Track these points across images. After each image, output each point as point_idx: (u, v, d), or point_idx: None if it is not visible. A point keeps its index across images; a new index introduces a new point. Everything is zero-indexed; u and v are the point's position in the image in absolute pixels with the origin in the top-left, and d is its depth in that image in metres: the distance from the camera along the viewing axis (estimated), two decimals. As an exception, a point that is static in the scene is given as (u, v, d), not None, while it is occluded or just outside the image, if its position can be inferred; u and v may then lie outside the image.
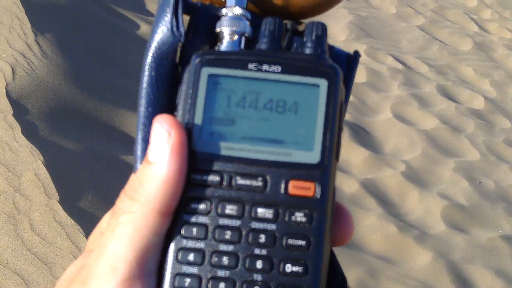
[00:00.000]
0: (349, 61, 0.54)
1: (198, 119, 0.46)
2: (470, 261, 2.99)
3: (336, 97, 0.47)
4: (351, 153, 3.67)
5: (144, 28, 4.44)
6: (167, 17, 0.51)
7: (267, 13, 0.55)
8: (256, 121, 0.47)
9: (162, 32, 0.51)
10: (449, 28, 5.80)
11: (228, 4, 0.53)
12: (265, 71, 0.47)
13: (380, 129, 4.05)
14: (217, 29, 0.51)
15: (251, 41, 0.51)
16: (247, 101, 0.47)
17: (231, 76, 0.47)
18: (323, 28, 0.50)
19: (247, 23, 0.52)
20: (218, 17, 0.52)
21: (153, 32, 0.51)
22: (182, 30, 0.51)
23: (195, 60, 0.48)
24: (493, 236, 3.19)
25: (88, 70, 3.44)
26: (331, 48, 0.53)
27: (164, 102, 0.51)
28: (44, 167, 2.40)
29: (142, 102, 0.51)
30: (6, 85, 2.94)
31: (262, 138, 0.47)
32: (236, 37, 0.51)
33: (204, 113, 0.47)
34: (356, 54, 0.54)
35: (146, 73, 0.52)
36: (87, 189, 2.43)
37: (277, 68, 0.47)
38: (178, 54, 0.51)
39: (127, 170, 2.82)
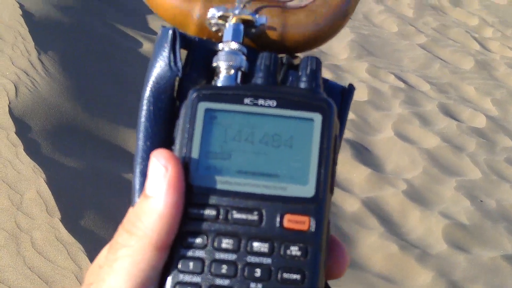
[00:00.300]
0: (344, 94, 0.54)
1: (195, 153, 0.47)
2: (471, 280, 2.98)
3: (330, 132, 0.48)
4: (352, 171, 3.67)
5: (146, 46, 4.46)
6: (165, 52, 0.52)
7: (263, 47, 0.56)
8: (251, 155, 0.48)
9: (160, 67, 0.52)
10: (451, 46, 5.82)
11: (224, 39, 0.54)
12: (261, 105, 0.48)
13: (382, 147, 4.05)
14: (214, 64, 0.52)
15: (248, 75, 0.52)
16: (243, 135, 0.48)
17: (227, 110, 0.48)
18: (317, 62, 0.51)
19: (243, 57, 0.53)
20: (215, 52, 0.53)
21: (151, 66, 0.52)
22: (180, 65, 0.52)
23: (192, 95, 0.49)
24: (494, 256, 3.18)
25: (91, 88, 3.46)
26: (326, 81, 0.54)
27: (162, 136, 0.52)
28: (46, 185, 2.41)
29: (140, 136, 0.52)
30: (9, 102, 2.95)
31: (257, 172, 0.47)
32: (232, 71, 0.52)
33: (201, 147, 0.47)
34: (351, 87, 0.55)
35: (144, 107, 0.53)
36: (89, 207, 2.43)
37: (273, 103, 0.48)
38: (176, 89, 0.52)
39: (129, 188, 2.83)
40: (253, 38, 0.56)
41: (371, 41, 5.33)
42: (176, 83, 0.53)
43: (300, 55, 0.56)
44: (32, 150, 2.66)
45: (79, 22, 4.37)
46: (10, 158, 2.56)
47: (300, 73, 0.51)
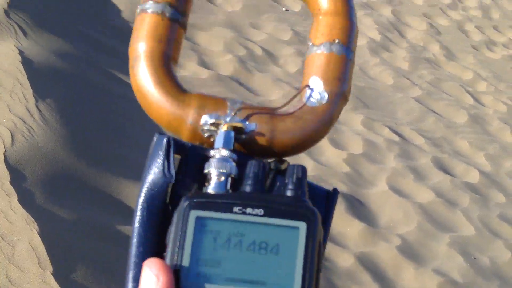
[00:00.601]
0: (328, 198, 0.58)
1: (185, 261, 0.49)
2: None
3: (314, 239, 0.51)
4: (346, 225, 3.67)
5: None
6: (160, 159, 0.55)
7: (253, 152, 0.59)
8: (240, 263, 0.50)
9: (154, 173, 0.55)
10: (445, 100, 5.87)
11: (216, 145, 0.57)
12: (249, 214, 0.51)
13: (376, 201, 4.05)
14: (206, 170, 0.55)
15: (237, 180, 0.55)
16: (232, 243, 0.50)
17: (217, 218, 0.51)
18: (303, 170, 0.54)
19: (233, 164, 0.55)
20: (207, 158, 0.57)
21: (146, 173, 0.56)
22: (173, 172, 0.55)
23: (184, 203, 0.51)
24: (488, 315, 3.16)
25: (88, 137, 3.47)
26: (310, 185, 0.56)
27: (155, 242, 0.54)
28: (39, 237, 2.40)
29: (134, 241, 0.54)
30: (5, 151, 2.95)
31: (245, 279, 0.49)
32: (223, 178, 0.54)
33: (191, 254, 0.50)
34: (335, 192, 0.58)
35: (139, 212, 0.55)
36: (82, 260, 2.42)
37: (260, 211, 0.51)
38: (169, 195, 0.55)
39: (124, 241, 2.81)
40: (244, 144, 0.59)
41: (367, 93, 5.38)
42: (169, 189, 0.55)
43: (288, 159, 0.59)
44: (26, 200, 2.65)
45: (78, 70, 4.40)
46: (3, 208, 2.55)
47: (286, 181, 0.54)
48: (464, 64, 6.79)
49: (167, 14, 0.64)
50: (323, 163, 4.25)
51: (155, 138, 0.57)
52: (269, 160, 0.58)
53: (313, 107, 0.62)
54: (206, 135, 0.60)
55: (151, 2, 0.64)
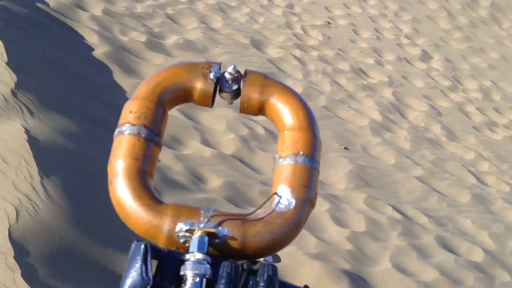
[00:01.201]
0: None
1: None
2: None
3: None
4: (350, 304, 3.63)
5: (148, 173, 4.54)
6: (138, 264, 0.59)
7: (226, 255, 0.63)
8: None
9: (133, 277, 0.58)
10: (448, 179, 5.90)
11: (191, 249, 0.62)
12: None
13: (380, 279, 4.02)
14: (182, 272, 0.59)
15: (212, 281, 0.59)
16: None
17: None
18: (273, 269, 0.59)
19: (208, 266, 0.59)
20: (182, 261, 0.61)
21: (125, 277, 0.59)
22: (151, 275, 0.59)
23: None
24: None
25: (91, 215, 3.50)
26: (283, 284, 0.61)
27: None
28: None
29: None
30: (9, 227, 2.98)
31: None
32: (197, 279, 0.58)
33: None
34: None
35: None
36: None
37: None
38: None
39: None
40: (217, 248, 0.63)
41: (369, 172, 5.42)
42: None
43: (261, 260, 0.65)
44: (29, 275, 2.65)
45: (82, 148, 4.47)
46: (7, 284, 2.55)
47: (258, 279, 0.58)
48: (465, 144, 6.86)
49: (143, 135, 0.70)
50: (325, 240, 4.25)
51: (133, 245, 0.61)
52: (242, 262, 0.62)
53: (282, 212, 0.67)
54: (181, 241, 0.64)
55: (127, 124, 0.71)
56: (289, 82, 6.88)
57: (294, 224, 0.67)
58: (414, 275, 4.17)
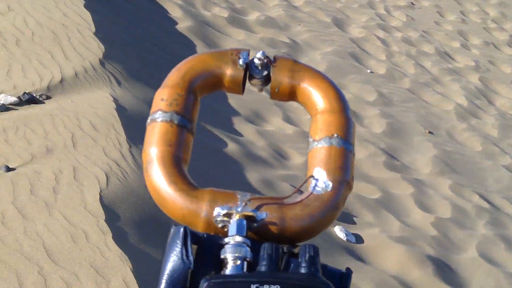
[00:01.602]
0: (342, 279, 0.60)
1: None
2: None
3: None
4: (436, 290, 3.52)
5: (231, 147, 4.52)
6: (178, 248, 0.59)
7: (265, 239, 0.62)
8: None
9: (173, 261, 0.58)
10: (537, 169, 5.68)
11: (230, 233, 0.61)
12: None
13: (465, 268, 3.89)
14: (222, 256, 0.59)
15: (252, 264, 0.58)
16: None
17: None
18: (315, 249, 0.58)
19: (248, 249, 0.59)
20: (222, 245, 0.60)
21: (165, 261, 0.59)
22: (192, 258, 0.58)
23: (203, 285, 0.54)
24: None
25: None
26: (325, 267, 0.59)
27: None
28: (132, 275, 2.39)
29: None
30: (100, 191, 3.00)
31: None
32: (239, 262, 0.58)
33: None
34: (348, 271, 0.60)
35: None
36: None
37: (276, 287, 0.54)
38: (189, 280, 0.58)
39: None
40: (256, 232, 0.63)
41: (454, 158, 5.26)
42: (189, 275, 0.58)
43: (300, 244, 0.62)
44: (119, 238, 2.66)
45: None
46: (99, 245, 2.57)
47: (300, 260, 0.57)
48: (555, 134, 6.58)
49: (175, 121, 0.70)
50: (409, 225, 4.14)
51: (172, 229, 0.61)
52: (282, 246, 0.61)
53: (319, 195, 0.66)
54: (219, 225, 0.63)
55: (159, 112, 0.70)
56: (371, 63, 6.74)
57: (332, 206, 0.66)
58: (502, 265, 4.01)
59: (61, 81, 4.46)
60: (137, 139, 3.77)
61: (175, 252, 0.59)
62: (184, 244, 0.59)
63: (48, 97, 4.25)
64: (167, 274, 0.58)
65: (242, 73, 0.73)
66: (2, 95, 4.14)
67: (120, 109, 4.09)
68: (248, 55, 0.74)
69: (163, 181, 0.67)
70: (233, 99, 5.49)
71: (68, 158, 3.30)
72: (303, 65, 0.75)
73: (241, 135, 4.90)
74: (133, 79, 4.93)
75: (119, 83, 4.71)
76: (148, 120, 0.70)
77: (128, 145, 3.60)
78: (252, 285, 0.53)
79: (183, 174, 0.68)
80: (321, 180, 0.67)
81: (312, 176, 0.67)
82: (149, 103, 4.55)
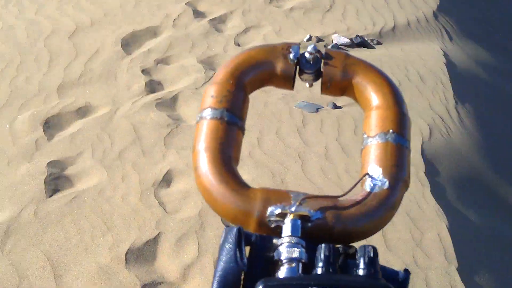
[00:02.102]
0: (401, 280, 0.58)
1: None
2: None
3: None
4: None
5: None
6: (231, 249, 0.58)
7: (319, 239, 0.60)
8: None
9: (227, 262, 0.57)
10: None
11: (284, 233, 0.59)
12: None
13: None
14: (276, 258, 0.58)
15: (308, 266, 0.57)
16: None
17: None
18: (374, 250, 0.55)
19: (303, 250, 0.57)
20: (275, 246, 0.59)
21: (219, 262, 0.58)
22: (245, 260, 0.57)
23: (259, 287, 0.52)
24: None
25: (500, 147, 3.42)
26: (383, 268, 0.57)
27: None
28: (447, 231, 2.44)
29: None
30: (422, 143, 3.06)
31: None
32: (293, 264, 0.56)
33: None
34: (407, 273, 0.58)
35: None
36: (485, 266, 2.40)
37: None
38: (242, 282, 0.57)
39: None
40: (310, 231, 0.61)
41: None
42: (242, 277, 0.57)
43: (355, 244, 0.59)
44: (437, 193, 2.71)
45: (496, 81, 4.35)
46: (416, 196, 2.65)
47: (358, 261, 0.55)
48: None
49: (226, 119, 0.68)
50: None
51: (224, 230, 0.59)
52: (337, 246, 0.58)
53: (375, 193, 0.63)
54: (272, 225, 0.62)
55: (209, 109, 0.69)
56: None
57: (390, 205, 0.63)
58: None
59: (393, 28, 4.56)
60: (465, 97, 3.74)
61: (228, 254, 0.57)
62: (238, 245, 0.58)
63: (379, 43, 4.38)
64: (220, 276, 0.57)
65: (293, 68, 0.71)
66: (336, 35, 4.36)
67: (450, 64, 4.07)
68: (299, 49, 0.72)
69: (213, 180, 0.65)
70: None
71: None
72: (356, 59, 0.72)
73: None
74: (465, 36, 4.85)
75: (450, 38, 4.67)
76: (197, 118, 0.70)
77: (454, 102, 3.60)
78: None
79: (234, 173, 0.66)
80: (377, 177, 0.64)
81: (367, 174, 0.65)
82: (480, 63, 4.46)
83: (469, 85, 3.95)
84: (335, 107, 3.37)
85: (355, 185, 0.65)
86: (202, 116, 0.69)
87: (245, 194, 0.64)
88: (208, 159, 0.66)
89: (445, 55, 4.19)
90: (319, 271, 0.55)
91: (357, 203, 0.63)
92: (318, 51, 0.71)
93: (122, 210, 2.46)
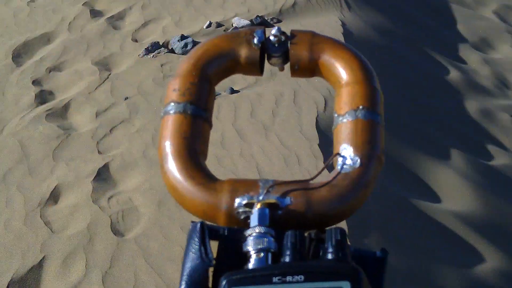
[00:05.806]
0: (376, 262, 0.57)
1: None
2: None
3: None
4: None
5: (453, 75, 4.41)
6: (196, 245, 0.57)
7: (291, 226, 0.58)
8: None
9: (192, 260, 0.56)
10: None
11: (252, 224, 0.58)
12: (289, 282, 0.50)
13: None
14: (244, 249, 0.56)
15: (278, 255, 0.55)
16: None
17: None
18: (341, 232, 0.54)
19: (272, 239, 0.56)
20: (244, 238, 0.57)
21: (184, 261, 0.56)
22: (211, 256, 0.56)
23: (222, 282, 0.51)
24: None
25: (399, 114, 3.53)
26: (358, 250, 0.57)
27: None
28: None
29: None
30: (317, 115, 3.15)
31: None
32: (262, 254, 0.55)
33: None
34: (384, 253, 0.57)
35: None
36: (376, 228, 2.50)
37: (300, 278, 0.50)
38: (210, 279, 0.56)
39: (414, 214, 2.84)
40: (281, 219, 0.59)
41: None
42: (210, 274, 0.56)
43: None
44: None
45: (394, 46, 4.47)
46: (310, 169, 2.74)
47: (326, 245, 0.54)
48: None
49: (189, 112, 0.66)
50: None
51: (190, 226, 0.58)
52: (310, 231, 0.57)
53: (347, 173, 0.61)
54: (242, 217, 0.60)
55: (172, 103, 0.67)
56: None
57: (363, 184, 0.61)
58: None
59: (293, 4, 4.62)
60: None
61: (193, 251, 0.56)
62: (203, 241, 0.56)
63: (278, 21, 4.45)
64: (187, 274, 0.56)
65: (258, 53, 0.69)
66: (236, 18, 4.40)
67: (346, 33, 4.16)
68: (263, 33, 0.70)
69: (180, 176, 0.63)
70: (462, 25, 5.28)
71: (290, 82, 3.47)
72: (323, 37, 0.70)
73: (465, 63, 4.73)
74: (364, 4, 4.94)
75: (349, 7, 4.76)
76: (162, 113, 0.68)
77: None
78: (274, 277, 0.51)
79: (200, 167, 0.64)
80: (348, 157, 0.62)
81: (338, 154, 0.63)
82: (377, 28, 4.56)
83: (366, 51, 4.05)
84: (232, 91, 3.42)
85: (325, 166, 0.64)
86: (165, 111, 0.67)
87: (212, 188, 0.62)
88: (173, 155, 0.64)
89: (343, 24, 4.28)
90: (286, 259, 0.54)
91: (328, 185, 0.61)
92: (283, 33, 0.69)
93: (4, 239, 2.44)
